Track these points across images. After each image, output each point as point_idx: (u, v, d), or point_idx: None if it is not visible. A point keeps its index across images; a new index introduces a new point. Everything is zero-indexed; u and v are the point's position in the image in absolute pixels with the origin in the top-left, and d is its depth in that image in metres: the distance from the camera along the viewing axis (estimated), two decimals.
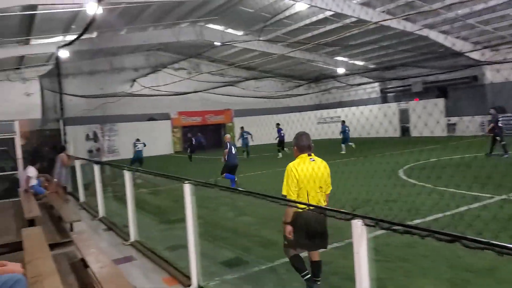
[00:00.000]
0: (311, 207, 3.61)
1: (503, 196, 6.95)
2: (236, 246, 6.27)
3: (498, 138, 13.58)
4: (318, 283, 4.26)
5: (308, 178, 4.00)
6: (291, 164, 4.12)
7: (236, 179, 10.86)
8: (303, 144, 4.19)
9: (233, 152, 10.99)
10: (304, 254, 4.22)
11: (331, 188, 4.26)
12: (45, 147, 14.33)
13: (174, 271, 5.28)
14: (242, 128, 22.19)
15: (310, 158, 4.13)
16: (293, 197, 3.96)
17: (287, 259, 5.34)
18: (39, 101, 18.55)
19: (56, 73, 12.60)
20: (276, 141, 20.83)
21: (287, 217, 4.04)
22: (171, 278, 5.12)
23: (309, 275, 4.20)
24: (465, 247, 1.99)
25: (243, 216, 8.27)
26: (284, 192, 4.05)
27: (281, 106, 31.12)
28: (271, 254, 5.69)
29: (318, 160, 4.19)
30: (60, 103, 12.40)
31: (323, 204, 4.05)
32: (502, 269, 4.48)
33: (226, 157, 11.05)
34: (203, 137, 25.18)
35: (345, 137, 18.08)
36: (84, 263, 4.67)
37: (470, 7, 15.51)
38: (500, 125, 13.83)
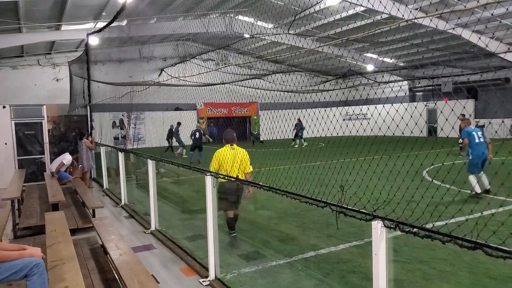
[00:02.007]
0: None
1: None
2: (254, 239, 6.29)
3: None
4: (233, 234, 6.06)
5: (226, 160, 5.83)
6: (218, 150, 5.98)
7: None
8: (227, 138, 6.11)
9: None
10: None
11: (251, 169, 6.06)
12: (72, 132, 14.69)
13: (193, 261, 5.34)
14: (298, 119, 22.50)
15: (231, 147, 5.99)
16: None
17: (304, 255, 5.36)
18: (68, 87, 19.01)
19: (85, 59, 12.83)
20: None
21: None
22: (189, 268, 5.18)
23: (235, 233, 6.07)
24: (488, 255, 1.93)
25: (263, 210, 8.28)
26: (210, 168, 5.70)
27: (307, 101, 30.87)
28: (289, 249, 5.69)
29: (238, 149, 6.00)
30: (88, 89, 12.64)
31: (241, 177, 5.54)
32: None
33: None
34: (215, 128, 25.65)
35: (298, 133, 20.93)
36: (104, 249, 4.77)
37: (506, 7, 14.86)
38: None
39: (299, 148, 20.75)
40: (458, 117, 15.09)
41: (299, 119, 21.30)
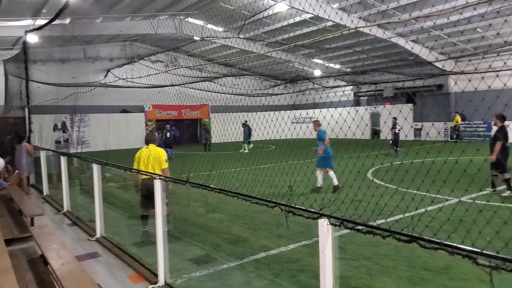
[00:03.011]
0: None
1: (456, 200, 7.31)
2: (205, 243, 6.25)
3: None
4: (144, 229, 6.59)
5: (142, 158, 6.49)
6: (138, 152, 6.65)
7: None
8: (147, 139, 6.76)
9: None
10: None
11: (166, 165, 6.46)
12: (7, 136, 13.74)
13: (141, 268, 5.20)
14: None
15: (146, 147, 6.60)
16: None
17: (255, 257, 5.42)
18: (2, 87, 17.78)
19: (23, 58, 12.08)
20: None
21: (135, 183, 6.62)
22: (137, 275, 5.04)
23: (146, 228, 6.53)
24: (422, 247, 2.08)
25: (214, 213, 8.25)
26: (134, 166, 6.46)
27: (258, 104, 31.19)
28: (240, 251, 5.72)
29: (152, 148, 6.57)
30: (26, 90, 11.90)
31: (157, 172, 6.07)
32: (456, 268, 4.70)
33: None
34: (177, 131, 25.37)
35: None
36: (44, 260, 4.51)
37: (433, 21, 16.16)
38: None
39: (249, 151, 20.88)
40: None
41: (245, 121, 21.60)
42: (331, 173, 9.04)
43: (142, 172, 5.96)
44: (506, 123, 8.70)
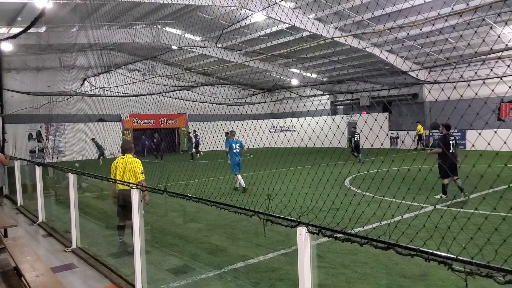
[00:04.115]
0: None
1: (432, 207, 7.50)
2: (183, 253, 6.20)
3: None
4: (121, 239, 6.42)
5: (118, 168, 6.34)
6: (114, 161, 6.51)
7: None
8: (121, 148, 6.61)
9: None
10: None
11: (141, 177, 6.22)
12: None
13: (118, 278, 5.12)
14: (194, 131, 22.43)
15: (122, 157, 6.42)
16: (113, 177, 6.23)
17: (234, 266, 5.42)
18: None
19: None
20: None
21: (113, 193, 6.40)
22: (113, 287, 4.96)
23: (123, 239, 6.40)
24: (398, 254, 2.14)
25: (193, 223, 8.20)
26: (111, 176, 6.31)
27: (236, 113, 31.27)
28: (219, 261, 5.70)
29: (128, 158, 6.37)
30: (0, 99, 11.64)
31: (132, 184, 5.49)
32: (433, 275, 4.80)
33: None
34: (147, 140, 25.63)
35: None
36: (17, 272, 4.40)
37: (407, 32, 16.68)
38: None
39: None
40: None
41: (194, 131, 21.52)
42: (238, 177, 10.92)
43: (119, 182, 5.86)
44: (479, 131, 9.14)
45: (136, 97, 23.69)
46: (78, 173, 6.81)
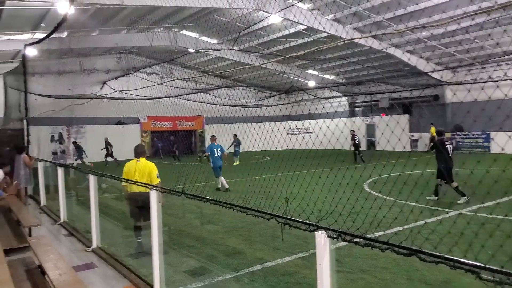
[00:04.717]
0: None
1: (457, 212, 7.31)
2: (201, 254, 6.23)
3: None
4: (138, 240, 6.49)
5: (131, 171, 6.38)
6: (126, 163, 6.58)
7: None
8: (135, 152, 6.60)
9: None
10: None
11: (157, 181, 6.25)
12: (6, 147, 13.71)
13: (137, 279, 5.18)
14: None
15: (137, 160, 6.48)
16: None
17: (251, 269, 5.41)
18: (2, 99, 17.86)
19: (21, 71, 12.14)
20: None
21: (125, 195, 6.54)
22: (132, 286, 5.02)
23: (141, 239, 6.42)
24: (422, 261, 2.08)
25: (210, 225, 8.24)
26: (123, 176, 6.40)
27: (253, 115, 31.25)
28: (236, 263, 5.70)
29: (143, 162, 6.45)
30: (25, 102, 11.95)
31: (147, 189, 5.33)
32: (456, 281, 4.67)
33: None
34: (160, 142, 25.99)
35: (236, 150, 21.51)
36: (41, 270, 4.50)
37: (430, 32, 16.28)
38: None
39: (237, 165, 20.71)
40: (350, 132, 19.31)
41: (235, 135, 21.53)
42: (220, 179, 11.73)
43: (138, 183, 5.87)
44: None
45: (154, 100, 24.03)
46: (98, 174, 6.92)
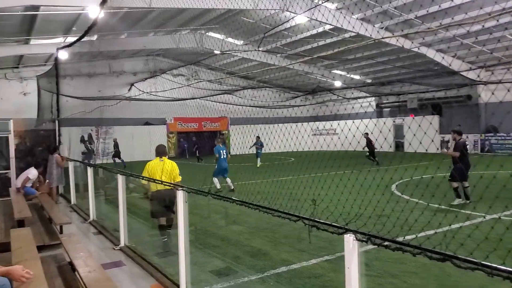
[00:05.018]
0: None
1: (494, 216, 7.01)
2: (226, 255, 6.23)
3: None
4: (164, 239, 6.69)
5: (155, 170, 6.61)
6: (148, 162, 6.80)
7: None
8: (158, 151, 6.89)
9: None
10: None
11: (179, 178, 6.66)
12: (39, 147, 14.22)
13: (163, 278, 5.23)
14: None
15: (160, 159, 6.77)
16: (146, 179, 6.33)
17: (276, 270, 5.36)
18: (35, 101, 18.51)
19: (54, 73, 12.54)
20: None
21: (149, 192, 6.85)
22: (159, 285, 5.07)
23: (166, 238, 6.61)
24: (457, 267, 1.99)
25: (235, 225, 8.24)
26: (143, 174, 6.58)
27: (278, 116, 31.18)
28: (261, 265, 5.67)
29: (167, 161, 6.79)
30: (57, 103, 12.34)
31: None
32: None
33: None
34: (185, 143, 26.37)
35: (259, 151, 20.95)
36: (72, 267, 4.61)
37: (467, 29, 15.67)
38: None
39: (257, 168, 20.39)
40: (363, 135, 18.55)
41: (257, 137, 21.37)
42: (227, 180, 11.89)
43: (165, 183, 6.02)
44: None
45: (180, 101, 24.33)
46: (126, 174, 7.04)
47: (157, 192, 6.54)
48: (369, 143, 19.24)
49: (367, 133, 19.80)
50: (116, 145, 23.65)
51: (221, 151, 12.06)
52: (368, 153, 19.22)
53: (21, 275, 3.17)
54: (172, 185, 5.55)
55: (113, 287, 3.62)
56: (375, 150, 19.29)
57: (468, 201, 8.94)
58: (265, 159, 21.95)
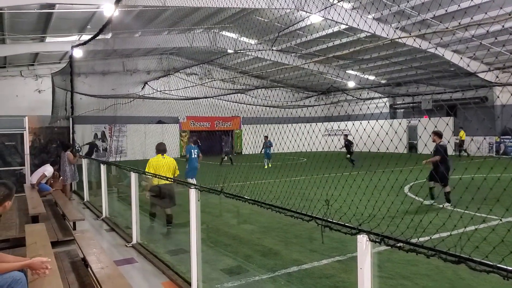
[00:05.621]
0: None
1: (510, 219, 6.88)
2: (237, 253, 6.24)
3: None
4: (169, 227, 7.68)
5: (157, 166, 7.48)
6: (151, 158, 7.69)
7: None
8: (160, 149, 7.74)
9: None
10: None
11: (178, 172, 7.78)
12: (53, 144, 14.43)
13: (174, 275, 5.26)
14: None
15: (162, 156, 7.65)
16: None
17: (287, 270, 5.35)
18: (50, 98, 18.77)
19: (68, 71, 12.71)
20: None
21: (147, 187, 7.80)
22: (170, 283, 5.09)
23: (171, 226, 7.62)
24: (472, 270, 1.96)
25: (246, 224, 8.25)
26: (148, 169, 7.38)
27: (290, 116, 31.05)
28: (272, 264, 5.67)
29: (167, 157, 7.72)
30: (71, 101, 12.50)
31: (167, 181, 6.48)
32: None
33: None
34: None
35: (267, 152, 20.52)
36: (85, 263, 4.67)
37: (486, 29, 15.35)
38: None
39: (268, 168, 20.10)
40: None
41: (266, 136, 20.95)
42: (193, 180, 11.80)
43: (178, 181, 6.23)
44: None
45: (193, 100, 24.42)
46: (139, 172, 7.10)
47: (157, 186, 7.47)
48: (348, 145, 19.26)
49: (346, 135, 20.12)
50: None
51: (192, 150, 12.17)
52: (347, 155, 19.08)
53: (41, 267, 3.25)
54: (181, 182, 6.01)
55: (125, 284, 3.65)
56: (352, 152, 19.18)
57: (433, 201, 9.05)
58: (277, 159, 21.87)
